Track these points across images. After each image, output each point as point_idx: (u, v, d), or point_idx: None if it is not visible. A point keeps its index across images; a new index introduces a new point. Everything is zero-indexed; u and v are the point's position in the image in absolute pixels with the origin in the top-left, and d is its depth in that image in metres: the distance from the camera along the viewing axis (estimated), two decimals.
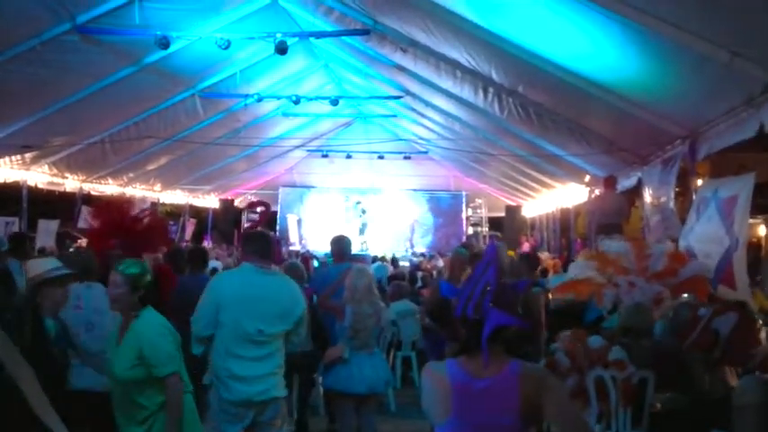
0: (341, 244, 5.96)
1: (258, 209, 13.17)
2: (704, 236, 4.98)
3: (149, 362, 3.18)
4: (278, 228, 19.30)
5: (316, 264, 11.98)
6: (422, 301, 7.53)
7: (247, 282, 3.84)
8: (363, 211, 19.31)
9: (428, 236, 20.09)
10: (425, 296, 7.73)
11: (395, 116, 15.73)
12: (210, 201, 18.81)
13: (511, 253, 9.47)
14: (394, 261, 14.49)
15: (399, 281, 9.09)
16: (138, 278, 3.31)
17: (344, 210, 19.75)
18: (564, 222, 14.40)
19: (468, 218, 19.59)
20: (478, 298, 2.20)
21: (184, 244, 13.47)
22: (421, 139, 16.84)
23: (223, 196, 18.78)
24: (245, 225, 16.07)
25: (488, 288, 2.20)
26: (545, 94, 7.93)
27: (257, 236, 4.13)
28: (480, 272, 2.25)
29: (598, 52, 5.89)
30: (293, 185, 20.44)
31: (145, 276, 3.34)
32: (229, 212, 17.76)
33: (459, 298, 2.25)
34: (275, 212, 19.17)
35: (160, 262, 6.11)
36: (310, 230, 19.69)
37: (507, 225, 17.17)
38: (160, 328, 3.30)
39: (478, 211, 19.27)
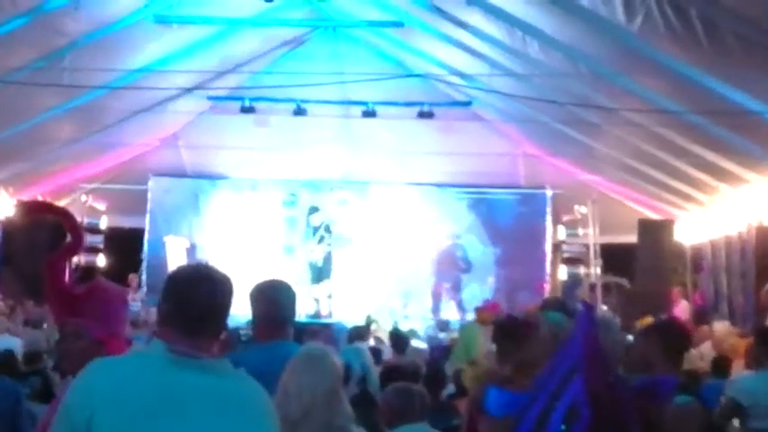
0: (273, 300, 5.09)
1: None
2: None
3: None
4: (144, 261, 17.98)
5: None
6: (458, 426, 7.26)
7: (154, 385, 3.16)
8: (327, 229, 18.05)
9: (473, 283, 17.94)
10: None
11: (400, 25, 14.14)
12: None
13: (646, 321, 9.18)
14: (399, 339, 12.55)
15: (408, 383, 7.33)
16: None
17: (285, 223, 18.53)
18: (764, 256, 13.35)
19: (557, 245, 17.71)
20: (559, 427, 2.34)
21: None
22: (455, 74, 15.09)
23: (27, 196, 16.73)
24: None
25: (577, 410, 2.31)
26: None
27: (179, 284, 3.22)
28: (562, 374, 2.38)
29: None
30: (180, 174, 18.76)
31: None
32: (40, 229, 15.17)
33: (523, 419, 2.37)
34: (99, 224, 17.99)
35: None
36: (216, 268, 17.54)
37: (643, 261, 15.66)
38: None
39: (581, 230, 17.11)
